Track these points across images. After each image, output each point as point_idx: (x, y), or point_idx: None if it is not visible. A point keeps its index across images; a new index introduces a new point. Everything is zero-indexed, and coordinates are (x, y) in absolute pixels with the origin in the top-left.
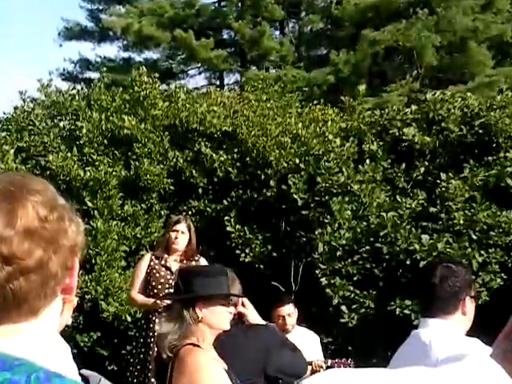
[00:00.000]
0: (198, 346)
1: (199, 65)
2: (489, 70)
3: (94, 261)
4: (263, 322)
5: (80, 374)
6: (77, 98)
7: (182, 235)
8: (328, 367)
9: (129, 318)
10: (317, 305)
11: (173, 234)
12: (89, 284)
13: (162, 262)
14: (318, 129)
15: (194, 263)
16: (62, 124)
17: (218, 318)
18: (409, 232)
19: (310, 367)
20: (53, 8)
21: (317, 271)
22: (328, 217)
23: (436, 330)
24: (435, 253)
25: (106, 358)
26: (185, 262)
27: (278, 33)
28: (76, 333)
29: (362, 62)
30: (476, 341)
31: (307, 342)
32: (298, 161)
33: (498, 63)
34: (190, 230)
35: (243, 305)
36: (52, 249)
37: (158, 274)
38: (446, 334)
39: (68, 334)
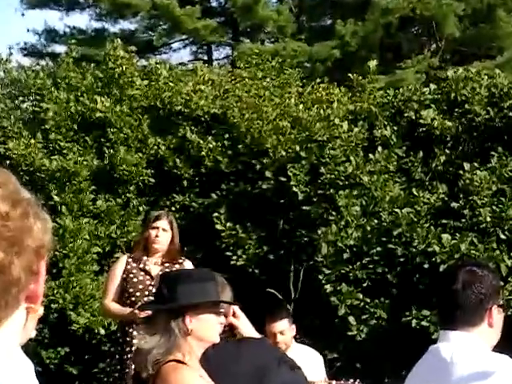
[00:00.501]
0: (183, 362)
1: (184, 37)
2: None
3: (61, 264)
4: (258, 336)
5: None
6: (41, 75)
7: (163, 233)
8: None
9: (102, 331)
10: (320, 315)
11: (152, 232)
12: (56, 291)
13: (141, 266)
14: (321, 111)
15: (177, 266)
16: (24, 105)
17: (209, 329)
18: (427, 231)
19: None
20: None
21: (320, 276)
22: (333, 213)
23: (458, 344)
24: (457, 255)
25: (76, 377)
26: (167, 265)
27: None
28: (41, 348)
29: (372, 34)
30: (504, 357)
31: (308, 363)
32: (298, 148)
33: None
34: (172, 228)
35: (234, 315)
36: (14, 250)
37: (135, 280)
38: (470, 348)
39: (32, 348)
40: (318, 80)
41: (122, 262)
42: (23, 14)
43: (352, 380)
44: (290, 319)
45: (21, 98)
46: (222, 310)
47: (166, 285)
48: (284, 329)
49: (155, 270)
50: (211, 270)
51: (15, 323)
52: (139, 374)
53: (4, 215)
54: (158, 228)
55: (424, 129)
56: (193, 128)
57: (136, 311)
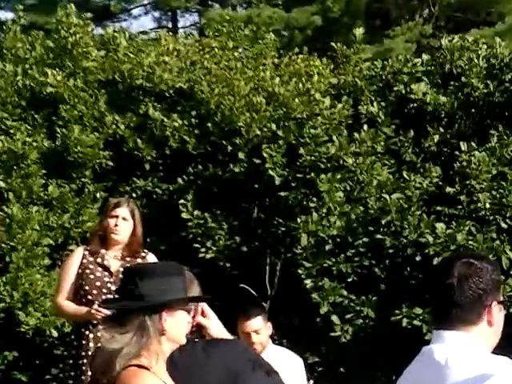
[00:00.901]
0: (145, 367)
1: (145, 2)
2: None
3: (8, 258)
4: (230, 336)
5: None
6: None
7: (123, 222)
8: None
9: (54, 333)
10: (299, 314)
11: (111, 221)
12: (2, 288)
13: (98, 260)
14: (300, 85)
15: (139, 261)
16: None
17: (181, 329)
18: (419, 219)
19: None
20: None
21: (300, 271)
22: (314, 199)
23: (454, 345)
24: (453, 246)
25: None
26: (128, 259)
27: None
28: None
29: None
30: (504, 359)
31: (287, 367)
32: (274, 127)
33: None
34: (133, 217)
35: (203, 314)
36: None
37: (92, 276)
38: (467, 350)
39: None
40: (297, 50)
41: (77, 256)
42: None
43: None
44: (265, 316)
45: None
46: (192, 308)
47: (132, 280)
48: (259, 327)
49: (115, 265)
50: (178, 264)
51: None
52: (97, 380)
53: None
54: (117, 217)
55: (415, 105)
56: (156, 104)
57: (93, 311)
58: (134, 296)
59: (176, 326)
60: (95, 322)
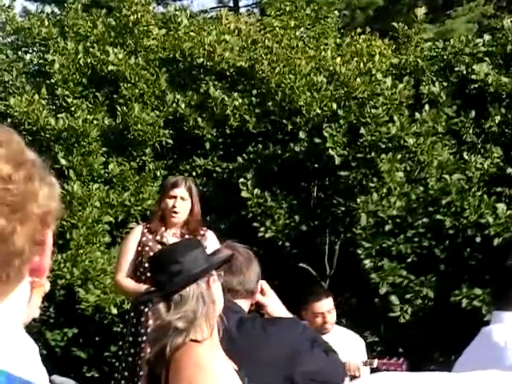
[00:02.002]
0: (200, 341)
1: None
2: None
3: (69, 235)
4: (289, 315)
5: (51, 382)
6: (46, 23)
7: (181, 202)
8: (374, 370)
9: (114, 310)
10: (358, 294)
11: (169, 202)
12: (62, 266)
13: (158, 238)
14: (361, 65)
15: (198, 238)
16: (27, 57)
17: (221, 295)
18: (479, 200)
19: (366, 369)
20: None
21: (359, 251)
22: (374, 180)
23: None
24: None
25: (85, 362)
26: (187, 237)
27: None
28: (46, 329)
29: None
30: None
31: (348, 347)
32: (335, 106)
33: None
34: (191, 196)
35: (262, 292)
36: (17, 218)
37: (151, 253)
38: None
39: (36, 329)
40: (359, 30)
41: (136, 234)
42: None
43: (396, 358)
44: (332, 297)
45: (24, 49)
46: (221, 274)
47: (166, 263)
48: (331, 307)
49: None
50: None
51: (18, 299)
52: (156, 357)
53: (6, 178)
54: (175, 197)
55: (476, 85)
56: (216, 83)
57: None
58: (176, 273)
59: (218, 291)
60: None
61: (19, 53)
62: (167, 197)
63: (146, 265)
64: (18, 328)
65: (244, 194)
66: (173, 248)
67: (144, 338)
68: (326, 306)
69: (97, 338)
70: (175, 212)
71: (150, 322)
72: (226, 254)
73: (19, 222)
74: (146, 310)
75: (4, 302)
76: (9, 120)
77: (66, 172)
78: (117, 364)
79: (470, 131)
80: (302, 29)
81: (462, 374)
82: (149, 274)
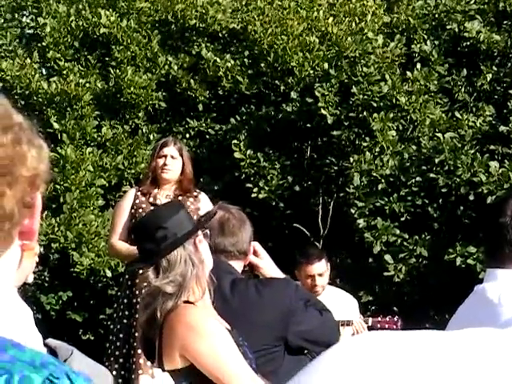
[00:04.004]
0: (192, 303)
1: None
2: None
3: (62, 199)
4: (282, 276)
5: (45, 345)
6: None
7: (172, 161)
8: (369, 328)
9: (108, 273)
10: (352, 254)
11: (160, 161)
12: (56, 229)
13: (151, 200)
14: (353, 24)
15: (191, 200)
16: (23, 20)
17: (209, 253)
18: (472, 158)
19: (348, 329)
20: None
21: (352, 210)
22: (367, 139)
23: (506, 283)
24: (507, 185)
25: (80, 325)
26: (180, 198)
27: None
28: (40, 293)
29: None
30: None
31: (341, 307)
32: (327, 66)
33: None
34: (182, 155)
35: (256, 253)
36: (6, 181)
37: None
38: None
39: (31, 294)
40: None
41: (129, 197)
42: None
43: (390, 316)
44: (326, 259)
45: (20, 12)
46: (207, 231)
47: (149, 230)
48: (323, 270)
49: None
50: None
51: (8, 262)
52: (149, 319)
53: None
54: (165, 156)
55: (468, 43)
56: (209, 45)
57: None
58: (161, 239)
59: (206, 250)
60: None
61: (16, 15)
62: (158, 157)
63: None
64: (10, 291)
65: (237, 155)
66: (156, 214)
67: (138, 299)
68: (317, 268)
69: (92, 301)
70: (166, 169)
71: (145, 283)
72: (210, 211)
73: (8, 186)
74: (140, 271)
75: None
76: (0, 84)
77: (59, 136)
78: (112, 326)
79: (462, 89)
80: None
81: (455, 331)
82: None
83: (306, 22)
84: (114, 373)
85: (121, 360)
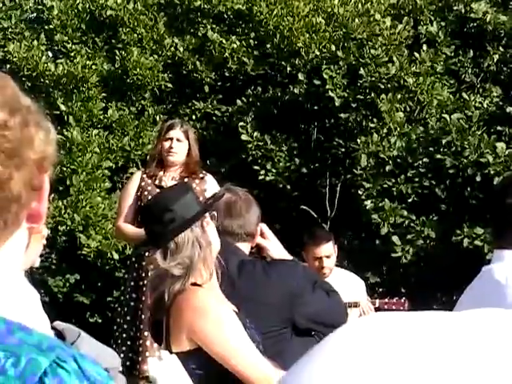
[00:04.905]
0: (200, 285)
1: None
2: None
3: (69, 181)
4: (289, 258)
5: (53, 328)
6: None
7: (178, 143)
8: (376, 310)
9: (116, 256)
10: (360, 235)
11: (166, 144)
12: (63, 212)
13: (157, 182)
14: (360, 6)
15: (197, 182)
16: (26, 3)
17: (216, 235)
18: (479, 139)
19: (356, 310)
20: None
21: (359, 192)
22: (374, 120)
23: None
24: None
25: (87, 308)
26: (186, 180)
27: None
28: (48, 275)
29: None
30: None
31: (348, 289)
32: (334, 47)
33: None
34: (188, 138)
35: (263, 235)
36: (13, 163)
37: (151, 197)
38: None
39: (37, 276)
40: None
41: (136, 179)
42: None
43: (397, 298)
44: (333, 241)
45: None
46: (214, 213)
47: (157, 213)
48: (330, 253)
49: None
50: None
51: (16, 245)
52: (160, 300)
53: (1, 124)
54: (171, 139)
55: (475, 24)
56: (214, 26)
57: None
58: (169, 221)
59: (213, 232)
60: None
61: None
62: (163, 139)
63: None
64: (17, 274)
65: (244, 137)
66: (163, 196)
67: (145, 282)
68: (325, 250)
69: (99, 284)
70: (172, 152)
71: (152, 265)
72: (217, 193)
73: (15, 168)
74: (147, 253)
75: (2, 248)
76: (8, 66)
77: (66, 118)
78: (119, 309)
79: (469, 70)
80: None
81: (463, 312)
82: None
83: (312, 2)
84: (122, 355)
85: (128, 342)
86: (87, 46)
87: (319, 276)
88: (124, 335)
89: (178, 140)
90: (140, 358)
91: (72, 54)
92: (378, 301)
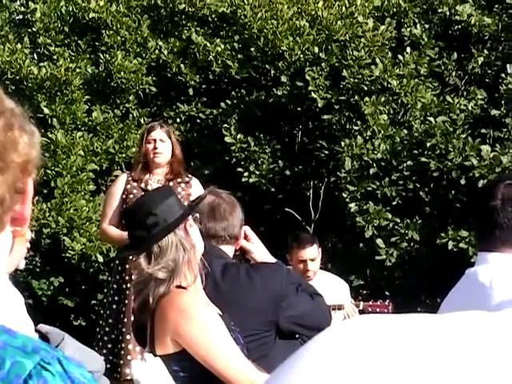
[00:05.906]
0: (185, 288)
1: None
2: None
3: (53, 184)
4: (273, 260)
5: (37, 331)
6: None
7: (161, 144)
8: (360, 312)
9: (100, 258)
10: (344, 238)
11: (150, 146)
12: (47, 214)
13: (142, 185)
14: (343, 8)
15: (183, 186)
16: (13, 6)
17: (200, 237)
18: (464, 142)
19: (340, 313)
20: None
21: (344, 194)
22: (358, 123)
23: (497, 267)
24: (498, 169)
25: (71, 310)
26: (171, 183)
27: None
28: (31, 278)
29: None
30: None
31: (332, 292)
32: (317, 49)
33: None
34: (170, 137)
35: (246, 237)
36: None
37: None
38: (511, 271)
39: (21, 279)
40: None
41: (121, 182)
42: None
43: (381, 300)
44: (317, 244)
45: None
46: (197, 216)
47: (140, 217)
48: (314, 256)
49: None
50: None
51: (0, 248)
52: (145, 303)
53: None
54: (154, 140)
55: (459, 26)
56: (198, 29)
57: None
58: (152, 225)
59: (196, 234)
60: None
61: (4, 1)
62: (146, 142)
63: None
64: (1, 277)
65: (227, 139)
66: (145, 200)
67: (128, 285)
68: (309, 253)
69: (83, 287)
70: (158, 152)
71: (136, 271)
72: (200, 196)
73: None
74: (131, 258)
75: None
76: None
77: (50, 121)
78: (101, 312)
79: (453, 73)
80: None
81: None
82: None
83: (296, 5)
84: (103, 358)
85: (109, 345)
86: (70, 49)
87: (303, 279)
88: (105, 338)
89: (161, 140)
90: (121, 362)
91: (55, 57)
92: (362, 303)
